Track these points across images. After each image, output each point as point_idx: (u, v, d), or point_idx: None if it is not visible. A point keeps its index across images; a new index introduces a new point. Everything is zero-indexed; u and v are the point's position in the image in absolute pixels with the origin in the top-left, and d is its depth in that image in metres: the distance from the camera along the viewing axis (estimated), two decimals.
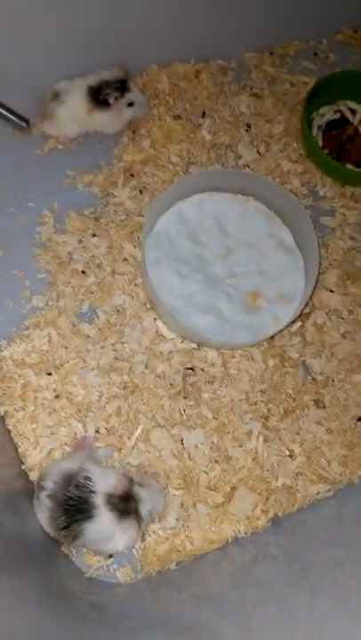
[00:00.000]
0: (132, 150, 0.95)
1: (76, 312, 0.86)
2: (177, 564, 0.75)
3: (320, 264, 0.86)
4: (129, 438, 0.79)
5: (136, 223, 0.91)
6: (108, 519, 0.66)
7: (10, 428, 0.78)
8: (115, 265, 0.89)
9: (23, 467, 0.76)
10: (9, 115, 0.74)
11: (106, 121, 0.92)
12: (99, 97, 0.89)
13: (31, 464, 0.77)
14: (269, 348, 0.86)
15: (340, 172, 0.96)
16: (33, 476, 0.76)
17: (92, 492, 0.66)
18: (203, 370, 0.84)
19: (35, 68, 0.88)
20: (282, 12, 1.03)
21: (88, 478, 0.67)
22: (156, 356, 0.84)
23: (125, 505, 0.67)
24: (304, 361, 0.87)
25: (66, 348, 0.83)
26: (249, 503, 0.78)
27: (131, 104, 0.91)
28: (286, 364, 0.86)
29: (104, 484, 0.67)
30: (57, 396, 0.81)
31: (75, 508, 0.66)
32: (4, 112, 0.73)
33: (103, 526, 0.66)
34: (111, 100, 0.89)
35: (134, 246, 0.90)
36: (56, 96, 0.90)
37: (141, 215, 0.92)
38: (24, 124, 0.77)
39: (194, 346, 0.85)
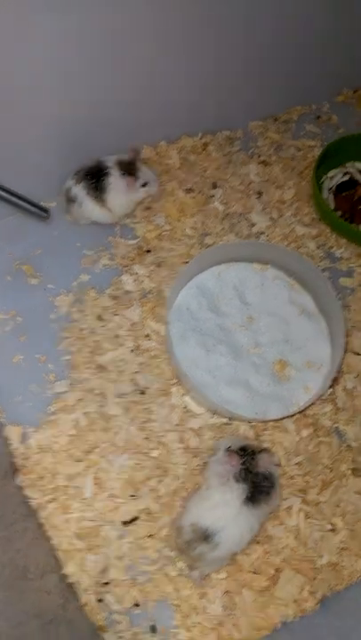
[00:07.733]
0: (147, 227, 0.96)
1: (102, 392, 0.84)
2: None
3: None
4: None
5: (156, 298, 0.91)
6: None
7: (42, 521, 0.76)
8: (138, 342, 0.88)
9: (63, 571, 0.74)
10: (30, 207, 0.75)
11: (120, 205, 0.93)
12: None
13: (70, 572, 0.74)
14: (301, 417, 0.84)
15: (353, 234, 0.97)
16: (71, 579, 0.73)
17: None
18: None
19: (47, 155, 0.91)
20: (283, 80, 1.06)
21: None
22: (186, 434, 0.82)
23: None
24: (337, 428, 0.85)
25: (93, 430, 0.82)
26: (295, 585, 0.75)
27: (144, 184, 0.92)
28: (320, 433, 0.84)
29: None
30: (88, 484, 0.78)
31: None
32: (25, 205, 0.75)
33: None
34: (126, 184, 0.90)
35: (156, 321, 0.90)
36: (71, 199, 0.90)
37: (161, 290, 0.92)
38: (44, 214, 0.78)
39: (225, 420, 0.83)
